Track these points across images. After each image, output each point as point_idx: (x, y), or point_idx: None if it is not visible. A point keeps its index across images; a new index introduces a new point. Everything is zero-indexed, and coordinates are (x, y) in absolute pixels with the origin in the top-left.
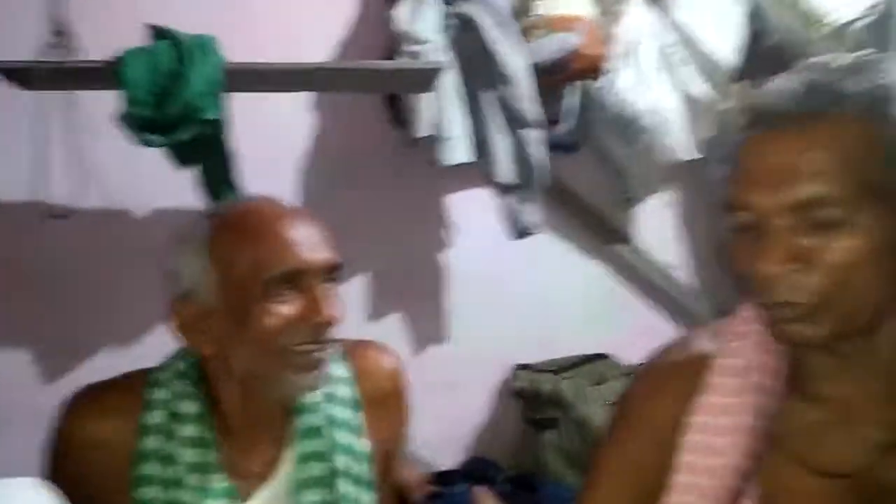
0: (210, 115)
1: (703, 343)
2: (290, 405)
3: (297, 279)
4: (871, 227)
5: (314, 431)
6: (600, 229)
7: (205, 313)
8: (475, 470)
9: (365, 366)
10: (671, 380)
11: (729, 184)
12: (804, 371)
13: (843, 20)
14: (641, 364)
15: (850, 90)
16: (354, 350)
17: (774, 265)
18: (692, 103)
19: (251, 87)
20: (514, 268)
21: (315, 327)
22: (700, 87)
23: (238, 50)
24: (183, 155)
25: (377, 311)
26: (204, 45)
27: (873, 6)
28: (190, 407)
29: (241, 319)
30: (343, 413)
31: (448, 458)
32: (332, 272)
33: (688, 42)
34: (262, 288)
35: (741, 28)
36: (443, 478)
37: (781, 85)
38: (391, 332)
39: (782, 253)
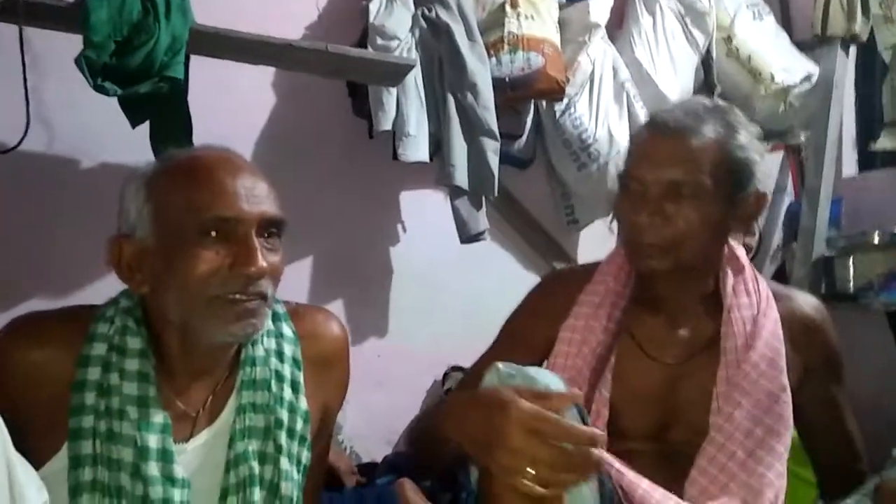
0: (173, 73)
1: (582, 273)
2: (229, 353)
3: (231, 227)
4: (705, 207)
5: (260, 383)
6: (544, 244)
7: (141, 252)
8: (402, 465)
9: (310, 328)
10: (556, 291)
11: (626, 162)
12: (650, 293)
13: (786, 84)
14: (543, 277)
15: (709, 119)
16: (301, 312)
17: (646, 217)
18: None
19: (218, 53)
20: (457, 271)
21: (243, 278)
22: None
23: (209, 14)
24: (138, 109)
25: (318, 297)
26: (175, 2)
27: (808, 76)
28: (133, 342)
29: (171, 262)
30: (288, 370)
31: (376, 450)
32: (272, 227)
33: (642, 80)
34: (195, 231)
35: (693, 74)
36: (369, 469)
37: (672, 108)
38: None
39: (652, 210)
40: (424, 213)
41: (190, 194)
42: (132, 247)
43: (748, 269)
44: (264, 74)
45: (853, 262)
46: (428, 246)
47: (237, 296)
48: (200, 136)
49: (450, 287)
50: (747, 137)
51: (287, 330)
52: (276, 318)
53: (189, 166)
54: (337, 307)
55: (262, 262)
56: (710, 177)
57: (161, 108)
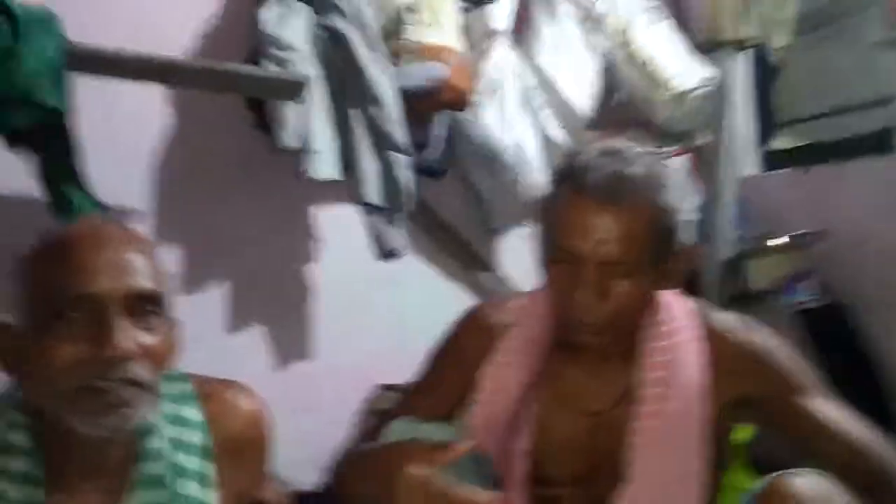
0: (49, 101)
1: (504, 315)
2: (119, 448)
3: (89, 307)
4: (642, 279)
5: (155, 481)
6: (464, 255)
7: (15, 339)
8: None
9: (220, 410)
10: (474, 336)
11: (550, 228)
12: (572, 342)
13: (684, 88)
14: (464, 316)
15: (639, 177)
16: (209, 391)
17: (588, 297)
18: (550, 145)
19: (100, 72)
20: (379, 286)
21: (103, 363)
22: (557, 131)
23: (88, 31)
24: (16, 142)
25: (237, 324)
26: (41, 21)
27: (709, 79)
28: (19, 439)
29: (35, 350)
30: (190, 462)
31: (309, 478)
32: (145, 303)
33: (547, 86)
34: (52, 315)
35: (595, 80)
36: (304, 499)
37: (598, 159)
38: (251, 345)
39: (594, 289)
40: (342, 227)
41: (48, 275)
42: (8, 333)
43: (665, 306)
44: (155, 88)
45: (757, 265)
46: (348, 262)
47: (101, 383)
48: (90, 164)
49: (373, 303)
50: (675, 191)
51: (193, 414)
52: (181, 400)
53: (51, 244)
54: (258, 332)
55: (122, 343)
56: (645, 251)
57: (42, 137)
